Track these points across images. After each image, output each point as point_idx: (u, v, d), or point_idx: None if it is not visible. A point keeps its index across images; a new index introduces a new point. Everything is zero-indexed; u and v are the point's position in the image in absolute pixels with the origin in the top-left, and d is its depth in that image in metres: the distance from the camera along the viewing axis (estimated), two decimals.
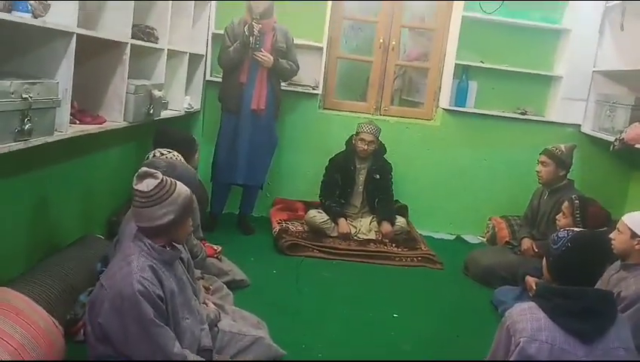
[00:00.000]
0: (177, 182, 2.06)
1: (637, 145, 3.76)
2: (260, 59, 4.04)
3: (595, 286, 2.06)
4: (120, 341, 1.91)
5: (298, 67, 4.28)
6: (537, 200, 4.07)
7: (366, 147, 4.37)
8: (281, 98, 4.38)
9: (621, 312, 2.26)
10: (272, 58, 4.06)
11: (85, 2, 2.61)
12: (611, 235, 2.67)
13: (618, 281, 2.61)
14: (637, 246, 2.58)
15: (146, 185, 1.96)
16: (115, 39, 2.82)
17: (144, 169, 2.02)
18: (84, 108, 2.81)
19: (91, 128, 2.72)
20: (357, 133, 4.43)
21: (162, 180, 1.99)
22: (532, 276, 3.32)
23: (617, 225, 2.69)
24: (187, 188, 2.08)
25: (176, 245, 2.15)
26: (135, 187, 1.97)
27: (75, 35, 2.36)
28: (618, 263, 2.68)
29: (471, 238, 4.91)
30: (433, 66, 4.96)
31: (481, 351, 2.16)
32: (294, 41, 4.29)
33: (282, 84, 4.56)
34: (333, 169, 4.48)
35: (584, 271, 1.98)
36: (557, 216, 3.46)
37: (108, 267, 2.08)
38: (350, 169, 4.46)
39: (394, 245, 4.29)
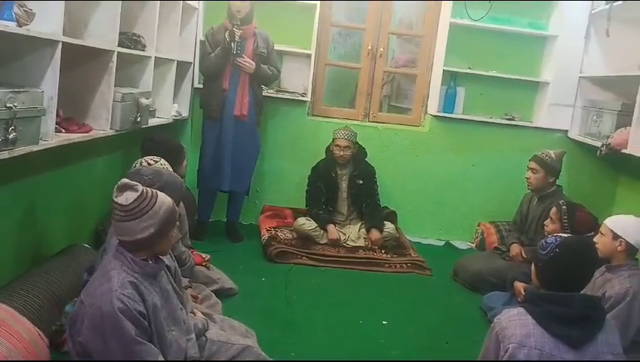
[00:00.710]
0: (159, 193, 2.01)
1: (623, 151, 3.78)
2: (241, 65, 4.05)
3: (582, 291, 2.07)
4: (102, 359, 1.86)
5: (279, 72, 4.32)
6: (526, 206, 4.08)
7: (342, 153, 4.37)
8: (264, 103, 4.38)
9: (607, 312, 2.28)
10: (253, 64, 4.07)
11: (71, 10, 2.59)
12: (595, 239, 2.70)
13: (603, 283, 2.65)
14: (619, 248, 2.63)
15: (125, 198, 1.92)
16: (102, 47, 2.81)
17: (124, 181, 1.97)
18: (70, 116, 2.78)
19: (77, 137, 2.69)
20: (332, 140, 4.43)
21: (142, 193, 1.94)
22: (521, 281, 3.33)
23: (600, 229, 2.73)
24: (170, 199, 2.03)
25: (161, 256, 2.11)
26: (115, 200, 1.93)
27: (60, 44, 2.34)
28: (603, 266, 2.71)
29: (460, 244, 4.92)
30: (421, 73, 4.98)
31: (471, 357, 2.16)
32: (275, 46, 4.32)
33: (270, 90, 4.63)
34: (316, 177, 4.47)
35: (572, 277, 1.99)
36: (545, 222, 3.48)
37: (88, 282, 2.03)
38: (332, 176, 4.45)
39: (383, 251, 4.28)
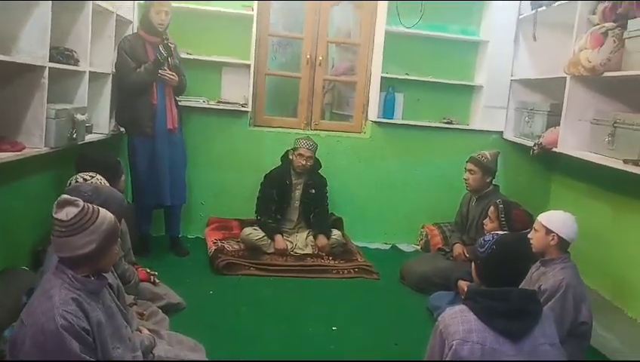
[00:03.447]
0: (100, 208, 1.99)
1: (554, 149, 3.96)
2: (168, 78, 3.99)
3: (520, 285, 2.15)
4: None
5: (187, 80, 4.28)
6: (466, 206, 4.20)
7: (304, 162, 4.39)
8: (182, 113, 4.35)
9: (543, 305, 2.37)
10: (176, 76, 4.04)
11: None
12: (529, 235, 2.82)
13: (538, 277, 2.77)
14: (552, 242, 2.75)
15: (66, 213, 1.89)
16: (32, 63, 2.73)
17: (64, 196, 1.94)
18: (1, 135, 2.70)
19: (9, 156, 2.62)
20: (294, 149, 4.44)
21: (83, 208, 1.91)
22: (464, 280, 3.42)
23: (534, 225, 2.84)
24: (111, 215, 2.01)
25: (103, 273, 2.07)
26: (55, 216, 1.89)
27: None
28: (538, 261, 2.83)
29: (406, 247, 5.00)
30: (360, 80, 5.06)
31: (420, 357, 2.19)
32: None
33: (211, 102, 4.66)
34: (269, 184, 4.47)
35: (509, 273, 2.06)
36: (484, 221, 3.59)
37: (28, 302, 1.98)
38: (286, 184, 4.46)
39: (330, 258, 4.31)
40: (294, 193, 4.51)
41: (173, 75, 4.00)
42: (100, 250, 1.94)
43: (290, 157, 4.47)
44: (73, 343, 1.80)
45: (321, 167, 4.58)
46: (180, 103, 4.27)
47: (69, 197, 1.94)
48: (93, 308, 1.94)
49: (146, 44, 3.97)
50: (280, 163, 4.55)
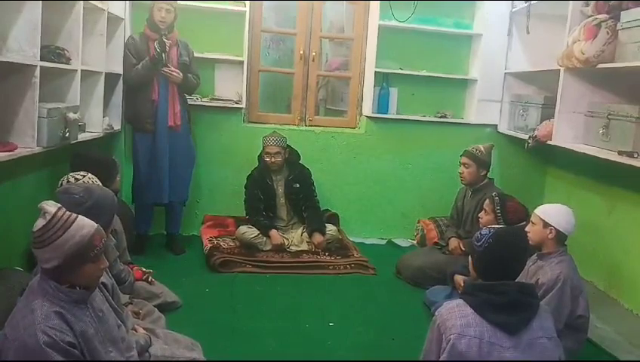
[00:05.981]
0: (77, 222, 1.86)
1: (549, 142, 3.97)
2: (169, 75, 3.99)
3: (517, 279, 2.15)
4: None
5: (200, 80, 4.28)
6: (461, 200, 4.20)
7: (273, 159, 4.37)
8: (191, 111, 4.34)
9: (540, 299, 2.38)
10: (181, 73, 4.03)
11: None
12: (527, 228, 2.82)
13: (536, 270, 2.78)
14: (550, 236, 2.75)
15: (36, 224, 1.81)
16: (22, 62, 2.71)
17: (42, 204, 1.85)
18: None
19: (1, 156, 2.59)
20: (262, 148, 4.43)
21: (50, 221, 1.81)
22: (460, 274, 3.42)
23: (531, 218, 2.84)
24: (90, 230, 1.86)
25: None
26: None
27: None
28: (535, 255, 2.83)
29: (402, 242, 5.00)
30: (354, 75, 5.04)
31: (417, 351, 2.19)
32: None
33: (204, 99, 4.62)
34: (253, 185, 4.44)
35: (506, 266, 2.06)
36: (479, 214, 3.59)
37: (12, 313, 1.89)
38: (267, 183, 4.44)
39: (326, 254, 4.30)
40: (277, 190, 4.48)
41: (176, 72, 3.99)
42: (64, 268, 1.83)
43: (262, 156, 4.45)
44: (58, 359, 1.74)
45: (300, 158, 4.55)
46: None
47: (45, 205, 1.85)
48: (79, 318, 1.87)
49: (149, 42, 3.99)
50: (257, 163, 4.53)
